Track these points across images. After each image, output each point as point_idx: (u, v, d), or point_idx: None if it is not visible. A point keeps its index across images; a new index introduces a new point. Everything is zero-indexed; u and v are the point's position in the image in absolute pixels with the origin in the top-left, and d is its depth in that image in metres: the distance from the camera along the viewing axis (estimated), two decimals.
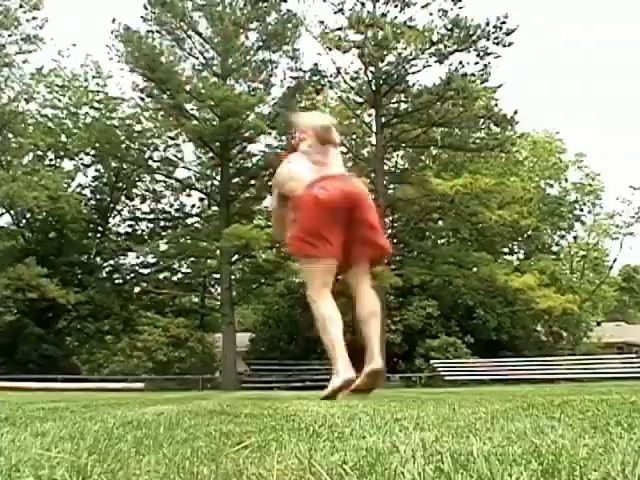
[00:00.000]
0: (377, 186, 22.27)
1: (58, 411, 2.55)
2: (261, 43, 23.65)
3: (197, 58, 24.21)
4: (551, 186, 32.17)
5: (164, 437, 1.34)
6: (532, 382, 15.98)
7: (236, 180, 25.31)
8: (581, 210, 32.10)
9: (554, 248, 32.76)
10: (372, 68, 21.86)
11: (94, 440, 1.28)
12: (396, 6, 22.10)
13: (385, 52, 21.39)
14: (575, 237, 33.15)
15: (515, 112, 22.30)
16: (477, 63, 21.94)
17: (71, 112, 26.02)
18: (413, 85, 22.78)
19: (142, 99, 24.28)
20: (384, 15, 22.25)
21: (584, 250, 32.97)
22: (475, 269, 22.72)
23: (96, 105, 25.62)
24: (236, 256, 24.50)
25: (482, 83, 22.13)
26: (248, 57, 23.95)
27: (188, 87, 22.25)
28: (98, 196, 28.19)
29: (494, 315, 23.64)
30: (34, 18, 22.00)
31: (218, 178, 25.15)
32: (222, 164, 24.19)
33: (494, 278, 21.52)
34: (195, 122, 23.23)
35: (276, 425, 1.62)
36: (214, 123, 22.95)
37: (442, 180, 21.61)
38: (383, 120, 23.03)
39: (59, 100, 25.94)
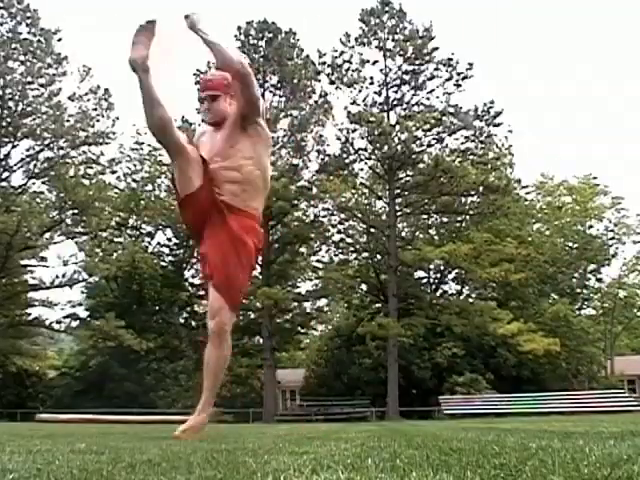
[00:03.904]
0: (389, 249, 23.36)
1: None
2: (294, 128, 24.46)
3: None
4: (590, 227, 31.15)
5: None
6: (526, 415, 15.32)
7: (276, 246, 25.87)
8: (616, 249, 30.96)
9: (583, 289, 31.76)
10: (385, 148, 22.68)
11: None
12: (408, 91, 23.69)
13: (387, 140, 22.36)
14: (599, 279, 31.89)
15: (507, 184, 22.95)
16: (474, 141, 23.08)
17: (150, 181, 27.46)
18: (419, 162, 23.66)
19: None
20: (399, 100, 23.71)
21: (610, 290, 31.80)
22: (476, 318, 22.96)
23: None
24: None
25: (480, 157, 22.85)
26: (281, 144, 24.99)
27: None
28: (174, 252, 29.20)
29: (515, 354, 23.08)
30: (107, 117, 23.66)
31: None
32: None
33: (485, 326, 22.10)
34: None
35: None
36: None
37: (433, 247, 23.33)
38: (396, 192, 23.86)
39: (139, 171, 27.53)
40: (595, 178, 30.81)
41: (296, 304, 25.45)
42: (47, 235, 23.85)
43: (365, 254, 27.14)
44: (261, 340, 27.15)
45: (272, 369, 24.28)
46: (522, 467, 1.33)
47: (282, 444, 2.48)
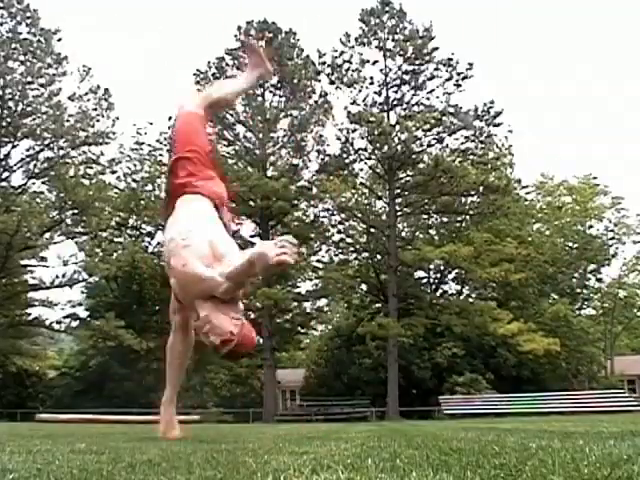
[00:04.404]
0: (389, 249, 23.32)
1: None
2: (294, 128, 24.36)
3: (239, 144, 25.00)
4: (590, 227, 31.08)
5: None
6: (526, 415, 15.28)
7: None
8: (616, 249, 30.88)
9: (583, 289, 31.70)
10: (385, 148, 22.66)
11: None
12: (408, 91, 23.67)
13: (387, 140, 22.27)
14: (599, 279, 31.82)
15: (507, 184, 22.90)
16: (474, 141, 23.03)
17: (150, 181, 27.35)
18: (419, 162, 23.60)
19: None
20: (399, 100, 23.70)
21: (609, 290, 31.74)
22: (476, 318, 22.93)
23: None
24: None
25: (480, 157, 22.82)
26: (281, 144, 24.85)
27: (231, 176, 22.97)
28: None
29: (515, 354, 23.08)
30: (107, 117, 23.64)
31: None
32: (261, 234, 25.09)
33: (485, 326, 22.05)
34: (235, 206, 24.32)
35: None
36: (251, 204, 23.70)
37: (433, 247, 23.26)
38: (396, 192, 23.82)
39: (139, 171, 27.47)
40: (595, 178, 30.83)
41: (296, 304, 25.44)
42: (47, 235, 23.84)
43: (365, 254, 27.13)
44: (261, 340, 27.10)
45: (272, 369, 24.29)
46: (522, 467, 1.33)
47: (282, 444, 2.48)
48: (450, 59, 22.87)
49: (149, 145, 26.87)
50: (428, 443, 2.28)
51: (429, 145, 23.48)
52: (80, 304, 27.57)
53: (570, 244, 30.54)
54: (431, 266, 28.15)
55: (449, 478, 1.22)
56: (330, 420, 18.80)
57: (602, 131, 60.76)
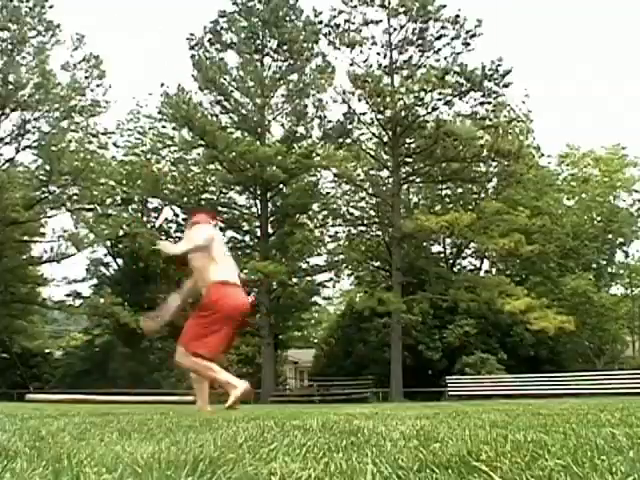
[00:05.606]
0: (393, 219, 22.94)
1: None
2: (294, 94, 24.11)
3: (235, 111, 24.71)
4: (615, 197, 30.57)
5: None
6: (540, 397, 15.22)
7: (272, 218, 25.34)
8: None
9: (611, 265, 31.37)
10: (388, 112, 22.10)
11: None
12: (415, 53, 23.11)
13: (389, 103, 21.70)
14: (627, 253, 31.27)
15: (519, 148, 22.15)
16: (482, 103, 22.36)
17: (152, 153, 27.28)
18: (424, 127, 22.88)
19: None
20: (400, 63, 23.12)
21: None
22: (484, 293, 22.33)
23: (173, 148, 26.81)
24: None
25: (490, 121, 22.19)
26: (279, 111, 24.65)
27: (221, 142, 22.50)
28: (182, 228, 28.94)
29: (532, 332, 22.89)
30: (98, 86, 23.76)
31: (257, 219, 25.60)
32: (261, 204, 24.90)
33: (494, 301, 21.54)
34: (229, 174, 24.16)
35: None
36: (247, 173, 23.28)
37: (434, 217, 22.39)
38: (400, 159, 23.37)
39: (141, 144, 27.42)
40: (624, 148, 30.11)
41: (296, 280, 25.43)
42: (37, 208, 24.07)
43: (374, 227, 26.86)
44: (257, 316, 27.10)
45: (271, 348, 24.40)
46: (520, 474, 1.26)
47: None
48: (457, 16, 22.04)
49: (148, 117, 26.77)
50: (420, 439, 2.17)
51: (434, 109, 22.76)
52: (83, 280, 27.90)
53: (594, 215, 30.12)
54: (447, 240, 27.89)
55: (449, 478, 1.22)
56: (327, 401, 18.75)
57: (602, 131, 60.71)
